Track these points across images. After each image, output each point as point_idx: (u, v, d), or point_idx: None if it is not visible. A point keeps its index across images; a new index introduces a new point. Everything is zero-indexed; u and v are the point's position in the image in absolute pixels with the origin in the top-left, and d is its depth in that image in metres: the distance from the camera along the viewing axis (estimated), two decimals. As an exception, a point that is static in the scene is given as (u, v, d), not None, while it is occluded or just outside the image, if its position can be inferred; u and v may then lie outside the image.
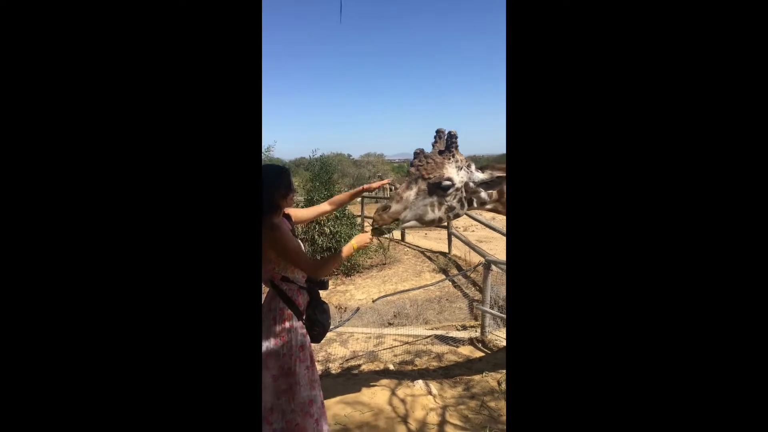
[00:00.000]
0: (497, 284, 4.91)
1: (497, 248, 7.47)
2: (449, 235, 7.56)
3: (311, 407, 1.69)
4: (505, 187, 2.08)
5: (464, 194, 2.03)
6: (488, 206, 2.13)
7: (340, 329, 4.23)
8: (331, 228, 6.97)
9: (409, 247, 8.23)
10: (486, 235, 8.45)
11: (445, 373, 3.03)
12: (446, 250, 7.58)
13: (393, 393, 2.55)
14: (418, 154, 2.01)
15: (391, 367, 3.20)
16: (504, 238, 5.77)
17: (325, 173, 7.82)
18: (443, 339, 3.85)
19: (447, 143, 1.99)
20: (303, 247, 1.76)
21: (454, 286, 6.02)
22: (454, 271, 6.67)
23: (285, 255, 1.68)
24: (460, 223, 9.52)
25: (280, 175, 1.73)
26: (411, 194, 1.94)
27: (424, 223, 2.01)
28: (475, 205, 2.09)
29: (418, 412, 2.34)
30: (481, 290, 4.21)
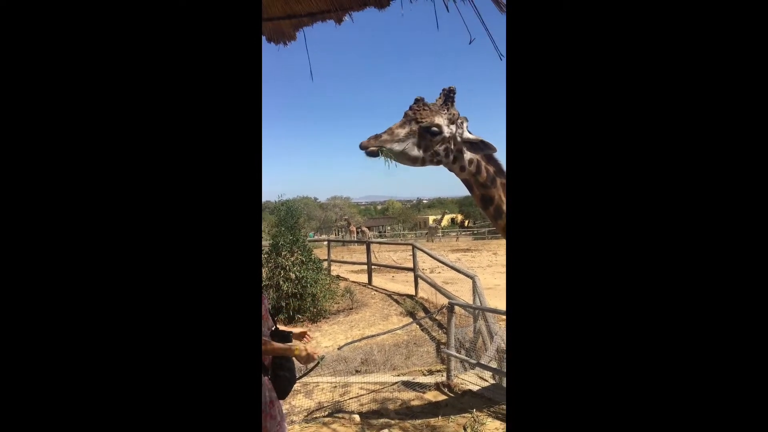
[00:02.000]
0: (462, 326, 4.94)
1: (463, 289, 7.56)
2: (416, 277, 7.61)
3: None
4: (483, 165, 2.23)
5: (451, 146, 2.18)
6: (464, 175, 2.26)
7: (304, 379, 4.10)
8: (297, 273, 6.87)
9: (376, 291, 8.19)
10: (452, 277, 8.54)
11: (411, 418, 2.98)
12: (413, 293, 7.59)
13: (358, 445, 2.48)
14: (418, 101, 2.17)
15: (357, 417, 3.12)
16: (469, 280, 5.87)
17: (291, 218, 7.79)
18: (409, 385, 3.80)
19: (444, 98, 2.17)
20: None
21: (422, 330, 6.00)
22: (421, 314, 6.66)
23: None
24: (427, 265, 9.61)
25: None
26: (402, 131, 2.10)
27: (407, 159, 2.13)
28: (457, 164, 2.22)
29: (383, 464, 2.28)
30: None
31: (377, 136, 2.08)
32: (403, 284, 8.57)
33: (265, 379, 1.68)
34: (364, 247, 9.73)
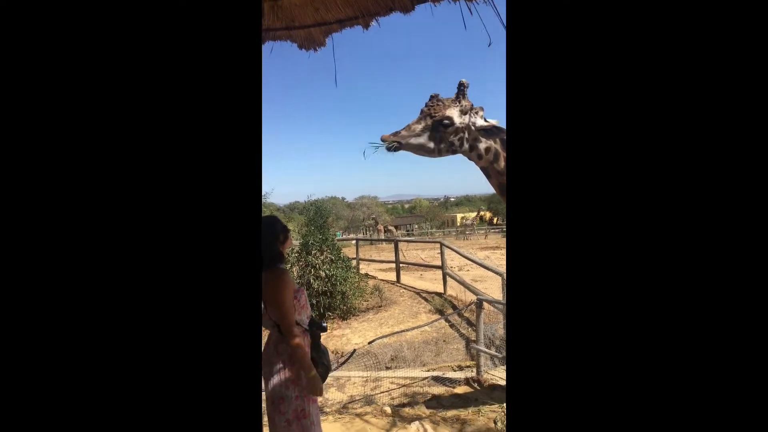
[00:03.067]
0: (492, 322, 4.95)
1: (492, 287, 7.52)
2: (444, 275, 7.62)
3: None
4: (501, 153, 2.35)
5: (466, 135, 2.32)
6: (482, 163, 2.38)
7: (336, 374, 4.23)
8: (327, 271, 7.02)
9: (404, 289, 8.25)
10: (481, 274, 8.50)
11: (442, 411, 3.04)
12: (442, 291, 7.61)
13: (389, 435, 2.56)
14: (433, 97, 2.32)
15: (388, 410, 3.21)
16: (498, 277, 5.86)
17: (319, 217, 7.96)
18: (439, 380, 3.87)
19: (457, 91, 2.32)
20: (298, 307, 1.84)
21: (451, 327, 6.03)
22: (450, 311, 6.68)
23: (280, 302, 1.76)
24: (455, 263, 9.59)
25: (274, 224, 1.88)
26: (418, 127, 2.29)
27: (424, 151, 2.30)
28: (474, 152, 2.35)
29: (414, 454, 2.35)
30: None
31: (396, 133, 2.28)
32: (431, 282, 8.59)
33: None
34: (392, 245, 9.79)
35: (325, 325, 1.96)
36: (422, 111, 2.32)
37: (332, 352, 5.44)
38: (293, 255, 7.30)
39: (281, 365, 1.75)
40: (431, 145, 2.30)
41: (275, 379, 1.74)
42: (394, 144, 2.25)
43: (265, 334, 1.87)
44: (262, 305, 1.85)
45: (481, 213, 28.23)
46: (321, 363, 1.84)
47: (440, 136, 2.29)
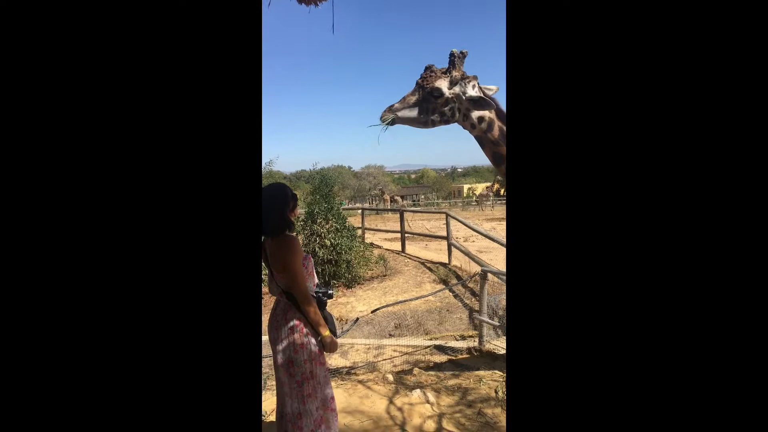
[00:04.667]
0: (496, 293, 4.96)
1: (497, 258, 7.52)
2: (449, 245, 7.62)
3: (332, 402, 1.86)
4: (496, 122, 2.36)
5: (457, 105, 2.33)
6: (475, 132, 2.41)
7: (340, 340, 4.29)
8: (332, 240, 7.03)
9: (409, 258, 8.28)
10: (486, 246, 8.49)
11: (444, 380, 3.08)
12: (446, 261, 7.62)
13: (391, 402, 2.60)
14: (428, 68, 2.34)
15: (390, 377, 3.25)
16: (503, 249, 5.83)
17: (325, 186, 7.90)
18: (442, 349, 3.91)
19: (449, 61, 2.32)
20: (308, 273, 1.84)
21: (455, 297, 6.06)
22: (454, 282, 6.71)
23: (292, 268, 1.76)
24: (461, 233, 9.57)
25: (284, 190, 1.87)
26: (413, 98, 2.32)
27: (418, 122, 2.33)
28: (467, 122, 2.38)
29: (415, 420, 2.39)
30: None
31: (391, 107, 2.31)
32: (436, 252, 8.61)
33: (312, 330, 1.81)
34: (398, 215, 9.77)
35: (332, 291, 1.98)
36: (417, 83, 2.35)
37: (337, 319, 5.51)
38: (299, 223, 7.31)
39: (289, 330, 1.79)
40: (425, 116, 2.33)
41: (284, 344, 1.79)
42: (390, 118, 2.29)
43: (269, 306, 1.87)
44: (269, 271, 1.85)
45: (497, 185, 28.08)
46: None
47: (432, 107, 2.31)
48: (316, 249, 6.99)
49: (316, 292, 1.90)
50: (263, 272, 1.74)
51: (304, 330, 1.79)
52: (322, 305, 1.88)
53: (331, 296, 1.95)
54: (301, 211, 7.64)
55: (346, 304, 6.38)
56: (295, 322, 1.79)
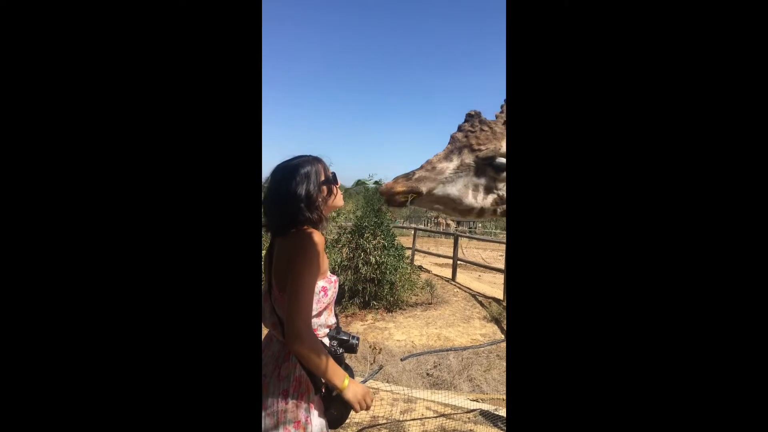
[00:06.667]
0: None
1: (561, 302, 6.60)
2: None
3: None
4: None
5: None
6: None
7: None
8: (377, 257, 6.52)
9: (459, 288, 7.58)
10: (548, 286, 7.58)
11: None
12: (501, 297, 6.82)
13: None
14: (472, 116, 1.39)
15: (420, 439, 2.57)
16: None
17: (378, 200, 7.46)
18: (489, 417, 3.12)
19: (500, 110, 1.42)
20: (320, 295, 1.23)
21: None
22: (508, 323, 5.90)
23: (293, 278, 1.14)
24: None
25: (305, 165, 1.23)
26: (449, 167, 1.32)
27: (457, 211, 1.38)
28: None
29: None
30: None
31: (408, 176, 1.30)
32: (489, 285, 7.85)
33: (318, 399, 1.20)
34: (452, 239, 9.15)
35: (356, 341, 1.31)
36: (455, 139, 1.36)
37: (370, 347, 4.86)
38: (345, 236, 6.87)
39: (282, 393, 1.17)
40: (474, 202, 1.34)
41: (271, 420, 1.16)
42: (403, 198, 1.27)
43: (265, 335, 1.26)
44: (267, 286, 1.27)
45: None
46: (337, 404, 1.20)
47: (488, 185, 1.34)
48: (360, 265, 6.50)
49: (331, 341, 1.25)
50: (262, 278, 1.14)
51: (303, 401, 1.16)
52: (338, 360, 1.22)
53: (354, 349, 1.29)
54: (348, 224, 7.22)
55: (383, 330, 5.77)
56: (293, 382, 1.17)
